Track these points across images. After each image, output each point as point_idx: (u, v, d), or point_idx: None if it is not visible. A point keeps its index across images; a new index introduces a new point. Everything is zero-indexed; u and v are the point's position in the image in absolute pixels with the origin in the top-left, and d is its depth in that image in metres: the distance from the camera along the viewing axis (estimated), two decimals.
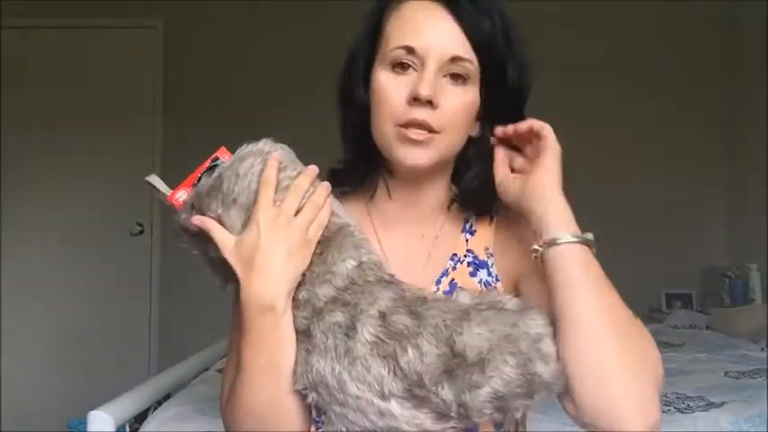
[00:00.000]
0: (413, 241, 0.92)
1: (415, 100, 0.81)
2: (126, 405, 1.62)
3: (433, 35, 0.82)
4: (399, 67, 0.83)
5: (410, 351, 0.73)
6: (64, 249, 3.84)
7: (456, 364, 0.72)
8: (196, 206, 0.81)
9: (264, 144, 0.83)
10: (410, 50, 0.82)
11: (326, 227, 0.81)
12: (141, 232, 3.84)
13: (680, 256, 3.77)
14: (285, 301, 0.77)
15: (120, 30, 3.90)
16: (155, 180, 0.85)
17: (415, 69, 0.83)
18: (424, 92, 0.80)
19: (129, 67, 3.89)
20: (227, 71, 3.86)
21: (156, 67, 3.88)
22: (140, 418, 1.68)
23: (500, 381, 0.71)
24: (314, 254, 0.80)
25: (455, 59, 0.82)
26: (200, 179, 0.83)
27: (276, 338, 0.78)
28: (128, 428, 1.61)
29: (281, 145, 0.84)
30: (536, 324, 0.74)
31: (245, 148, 0.82)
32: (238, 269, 0.78)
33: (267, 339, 0.78)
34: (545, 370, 0.72)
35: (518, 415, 0.75)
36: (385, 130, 0.84)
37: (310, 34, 3.73)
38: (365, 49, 0.88)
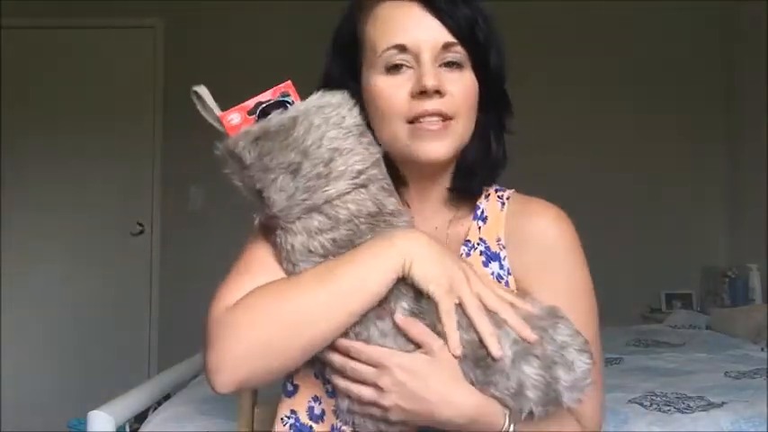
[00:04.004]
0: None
1: (422, 93, 0.81)
2: (126, 405, 1.63)
3: (419, 29, 0.82)
4: (393, 69, 0.83)
5: (439, 328, 0.74)
6: (64, 249, 3.84)
7: (482, 354, 0.73)
8: (261, 141, 0.76)
9: (342, 98, 0.80)
10: (402, 48, 0.82)
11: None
12: (141, 232, 3.84)
13: (680, 256, 3.77)
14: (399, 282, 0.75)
15: (120, 30, 3.90)
16: (203, 92, 0.79)
17: (409, 67, 0.82)
18: (430, 82, 0.80)
19: (129, 67, 3.89)
20: (227, 71, 3.85)
21: (156, 67, 3.88)
22: (140, 418, 1.69)
23: (523, 378, 0.72)
24: None
25: (447, 46, 0.82)
26: (262, 110, 0.78)
27: (375, 288, 0.74)
28: (128, 428, 1.62)
29: (355, 102, 0.81)
30: (563, 332, 0.74)
31: (323, 97, 0.79)
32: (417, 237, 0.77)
33: (371, 279, 0.74)
34: (566, 377, 0.72)
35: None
36: (396, 129, 0.83)
37: (311, 34, 3.72)
38: (345, 66, 0.88)
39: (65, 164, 3.85)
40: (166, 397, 1.85)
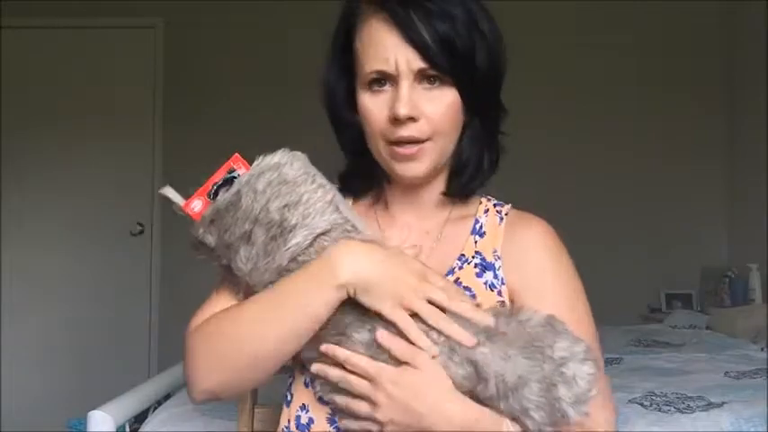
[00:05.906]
0: (417, 238, 0.92)
1: (396, 120, 0.83)
2: (126, 405, 1.63)
3: (395, 54, 0.83)
4: (376, 84, 0.86)
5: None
6: (64, 249, 3.84)
7: (481, 389, 0.73)
8: (216, 222, 0.80)
9: (281, 156, 0.81)
10: (382, 74, 0.85)
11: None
12: (141, 232, 3.84)
13: (680, 256, 3.77)
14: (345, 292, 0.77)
15: (120, 30, 3.90)
16: (169, 192, 0.85)
17: (391, 84, 0.85)
18: (402, 111, 0.83)
19: (129, 67, 3.89)
20: (227, 71, 3.86)
21: (156, 67, 3.88)
22: (140, 418, 1.69)
23: (525, 402, 0.72)
24: None
25: (423, 70, 0.84)
26: (216, 191, 0.82)
27: (317, 314, 0.77)
28: (128, 428, 1.62)
29: (298, 154, 0.83)
30: (561, 347, 0.73)
31: (262, 161, 0.81)
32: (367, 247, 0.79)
33: (312, 305, 0.77)
34: (567, 393, 0.71)
35: None
36: (378, 148, 0.88)
37: (311, 33, 3.72)
38: (341, 70, 0.91)
39: (64, 164, 3.85)
40: (166, 397, 1.85)
